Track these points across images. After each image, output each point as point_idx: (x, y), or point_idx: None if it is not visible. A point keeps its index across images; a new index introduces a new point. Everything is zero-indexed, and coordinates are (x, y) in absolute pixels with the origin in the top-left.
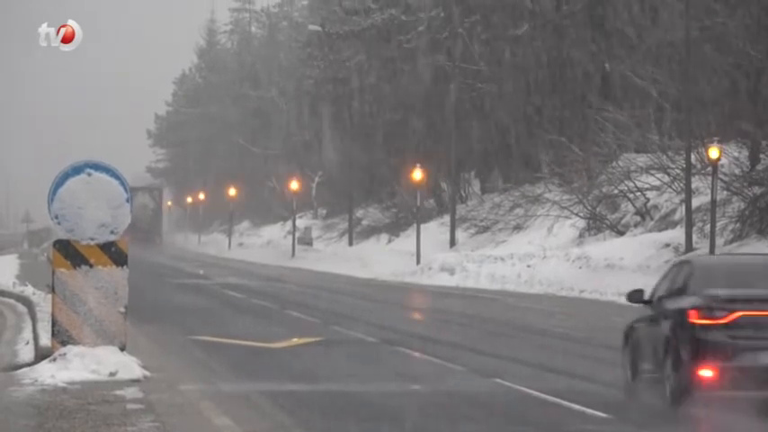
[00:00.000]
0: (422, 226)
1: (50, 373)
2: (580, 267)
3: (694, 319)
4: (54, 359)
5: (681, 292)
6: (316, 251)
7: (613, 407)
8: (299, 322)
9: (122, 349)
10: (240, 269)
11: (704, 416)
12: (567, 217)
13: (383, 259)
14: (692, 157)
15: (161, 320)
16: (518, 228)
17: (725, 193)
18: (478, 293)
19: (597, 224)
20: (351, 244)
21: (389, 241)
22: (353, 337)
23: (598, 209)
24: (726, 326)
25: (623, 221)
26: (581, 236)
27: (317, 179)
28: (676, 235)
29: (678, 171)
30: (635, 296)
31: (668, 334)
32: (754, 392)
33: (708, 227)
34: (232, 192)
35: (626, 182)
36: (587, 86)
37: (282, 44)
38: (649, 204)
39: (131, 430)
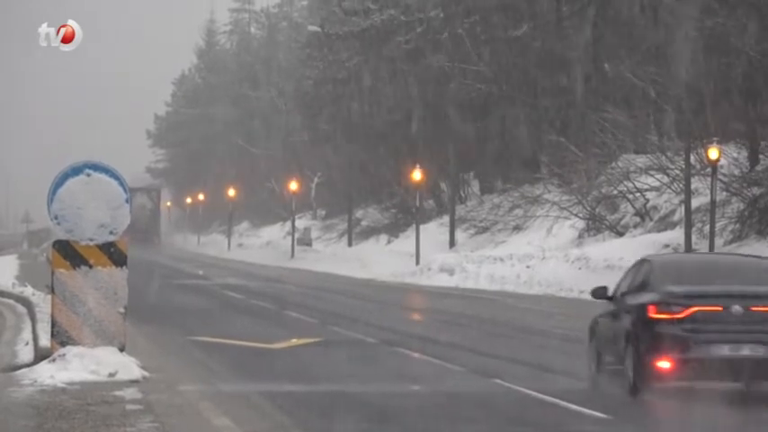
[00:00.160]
0: (421, 226)
1: (50, 374)
2: (579, 268)
3: (653, 313)
4: (53, 360)
5: (641, 288)
6: (315, 252)
7: (612, 407)
8: (298, 323)
9: (122, 350)
10: (239, 270)
11: (704, 416)
12: (566, 218)
13: (382, 260)
14: (692, 157)
15: (160, 321)
16: (517, 228)
17: (724, 193)
18: (478, 294)
19: (597, 225)
20: (350, 244)
21: (389, 242)
22: (353, 338)
23: (597, 209)
24: (682, 320)
25: (623, 222)
26: (580, 236)
27: (316, 180)
28: (676, 236)
29: (677, 172)
30: (599, 292)
31: (629, 328)
32: (708, 382)
33: (707, 227)
34: (231, 192)
35: (625, 182)
36: (586, 87)
37: (282, 45)
38: (649, 205)
39: (131, 431)
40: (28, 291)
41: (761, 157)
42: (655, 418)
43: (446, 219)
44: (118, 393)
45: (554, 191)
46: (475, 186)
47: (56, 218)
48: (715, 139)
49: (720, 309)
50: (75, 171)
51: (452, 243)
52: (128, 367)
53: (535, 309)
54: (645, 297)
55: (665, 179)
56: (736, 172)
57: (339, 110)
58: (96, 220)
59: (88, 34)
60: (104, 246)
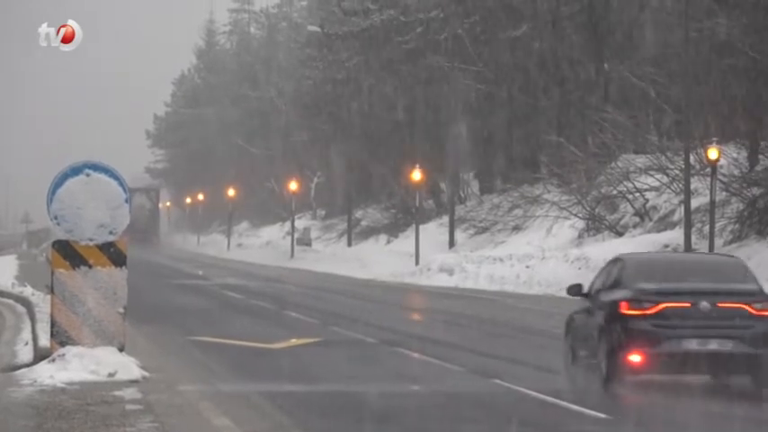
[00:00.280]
0: (421, 227)
1: (49, 374)
2: (579, 268)
3: (625, 310)
4: (53, 360)
5: (614, 286)
6: (315, 252)
7: (612, 407)
8: (298, 323)
9: (121, 350)
10: (239, 270)
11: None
12: (566, 218)
13: (382, 260)
14: (691, 157)
15: (160, 321)
16: (517, 228)
17: (724, 193)
18: (477, 294)
19: (596, 225)
20: (350, 244)
21: (388, 242)
22: (352, 338)
23: (597, 209)
24: (652, 316)
25: (622, 222)
26: (580, 236)
27: (315, 180)
28: (675, 236)
29: (677, 172)
30: (574, 290)
31: (602, 323)
32: (677, 375)
33: (707, 228)
34: (231, 192)
35: (625, 183)
36: (586, 87)
37: (281, 45)
38: (648, 205)
39: (130, 431)
40: (27, 291)
41: (760, 157)
42: (655, 418)
43: (446, 219)
44: (117, 393)
45: (554, 191)
46: (474, 186)
47: (55, 218)
48: (714, 139)
49: (689, 305)
50: (75, 171)
51: (452, 243)
52: (127, 367)
53: (535, 309)
54: (617, 294)
55: (665, 179)
56: (736, 172)
57: (339, 110)
58: (96, 220)
59: (88, 34)
60: (104, 246)
